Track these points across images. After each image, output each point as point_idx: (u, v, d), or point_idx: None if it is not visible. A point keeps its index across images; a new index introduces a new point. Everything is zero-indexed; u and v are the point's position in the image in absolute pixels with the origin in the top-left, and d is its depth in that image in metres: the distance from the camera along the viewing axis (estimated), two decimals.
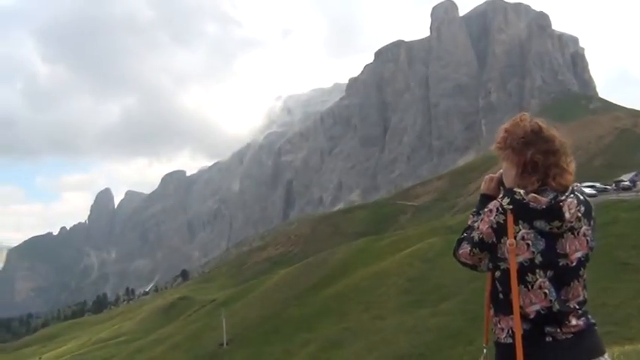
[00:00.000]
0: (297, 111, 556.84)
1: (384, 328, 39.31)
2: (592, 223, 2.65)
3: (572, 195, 2.58)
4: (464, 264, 2.69)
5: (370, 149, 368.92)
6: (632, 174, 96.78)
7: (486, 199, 2.82)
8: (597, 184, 76.17)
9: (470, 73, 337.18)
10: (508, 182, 2.66)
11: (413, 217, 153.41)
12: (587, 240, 2.57)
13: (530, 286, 2.44)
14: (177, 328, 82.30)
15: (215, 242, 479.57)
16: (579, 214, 2.54)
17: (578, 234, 2.53)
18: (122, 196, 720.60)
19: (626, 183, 77.82)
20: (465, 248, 2.62)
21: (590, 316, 2.59)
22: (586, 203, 2.61)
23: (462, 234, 2.74)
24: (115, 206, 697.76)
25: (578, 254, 2.53)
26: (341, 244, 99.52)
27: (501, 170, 2.87)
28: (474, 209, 2.84)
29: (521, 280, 2.42)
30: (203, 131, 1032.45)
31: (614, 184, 76.77)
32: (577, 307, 2.53)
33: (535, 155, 2.55)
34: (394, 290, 46.93)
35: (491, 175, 2.89)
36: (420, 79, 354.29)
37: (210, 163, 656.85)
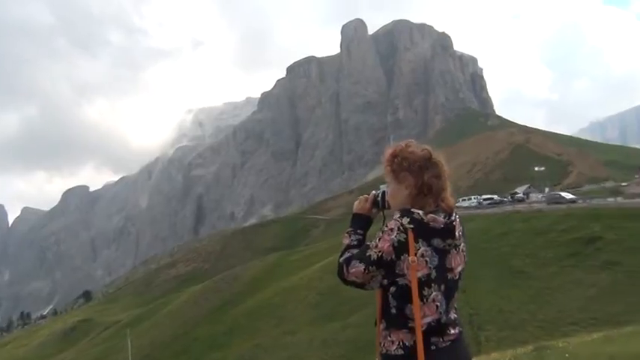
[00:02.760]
0: (208, 124, 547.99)
1: (295, 343, 39.19)
2: (466, 240, 2.85)
3: (457, 216, 2.77)
4: (352, 283, 2.73)
5: (282, 163, 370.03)
6: (526, 186, 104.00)
7: (359, 218, 2.95)
8: (495, 197, 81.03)
9: (379, 90, 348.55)
10: (399, 203, 2.76)
11: (324, 231, 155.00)
12: (464, 255, 2.77)
13: (425, 300, 2.58)
14: (79, 352, 77.53)
15: (120, 260, 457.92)
16: (461, 233, 2.75)
17: (459, 250, 2.72)
18: (17, 213, 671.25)
19: (520, 195, 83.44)
20: (359, 267, 2.66)
21: (460, 324, 2.77)
22: (462, 223, 2.81)
23: (344, 253, 2.78)
24: (10, 224, 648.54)
25: (460, 268, 2.72)
26: (253, 259, 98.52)
27: (375, 192, 3.00)
28: (349, 228, 2.92)
29: (419, 295, 2.56)
30: (109, 144, 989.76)
31: (509, 197, 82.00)
32: (455, 316, 2.73)
33: (431, 179, 2.72)
34: (305, 305, 47.01)
35: (365, 195, 3.01)
36: (331, 95, 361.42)
37: (116, 178, 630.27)
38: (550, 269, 33.05)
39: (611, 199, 51.69)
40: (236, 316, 54.49)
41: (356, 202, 3.00)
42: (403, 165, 2.75)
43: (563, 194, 60.25)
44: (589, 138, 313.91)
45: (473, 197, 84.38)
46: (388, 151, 2.84)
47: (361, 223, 2.93)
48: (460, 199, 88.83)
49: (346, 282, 2.75)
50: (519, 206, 60.01)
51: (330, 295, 45.19)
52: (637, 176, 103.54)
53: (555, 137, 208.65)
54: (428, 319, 2.59)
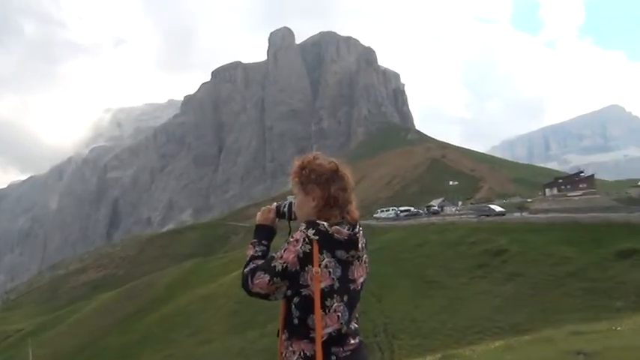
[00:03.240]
0: (127, 125, 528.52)
1: (211, 353, 38.46)
2: (368, 252, 2.91)
3: (360, 228, 2.81)
4: (256, 294, 2.73)
5: (204, 169, 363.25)
6: (440, 200, 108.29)
7: (263, 229, 2.98)
8: (412, 209, 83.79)
9: (304, 99, 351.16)
10: (305, 214, 2.80)
11: (244, 238, 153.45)
12: (366, 267, 2.83)
13: (327, 310, 2.61)
14: None
15: (25, 265, 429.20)
16: (364, 245, 2.81)
17: (362, 262, 2.78)
18: None
19: (435, 208, 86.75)
20: (263, 278, 2.67)
21: (360, 334, 2.81)
22: (364, 236, 2.84)
23: (248, 264, 2.80)
24: None
25: (362, 279, 2.77)
26: (169, 266, 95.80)
27: (279, 202, 3.05)
28: (253, 239, 2.94)
29: (321, 305, 2.59)
30: (16, 141, 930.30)
31: (425, 209, 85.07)
32: (356, 326, 2.77)
33: (337, 191, 2.76)
34: (222, 313, 46.30)
35: (268, 206, 3.07)
36: (256, 101, 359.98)
37: (23, 177, 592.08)
38: (461, 280, 34.57)
39: (517, 214, 54.66)
40: (149, 325, 52.73)
41: (259, 213, 3.05)
42: (311, 177, 2.78)
43: (493, 207, 62.14)
44: (500, 156, 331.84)
45: (391, 209, 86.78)
46: (296, 163, 2.88)
47: (265, 233, 2.97)
48: (379, 210, 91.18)
49: (251, 293, 2.74)
50: (434, 218, 62.23)
51: (248, 303, 44.75)
52: (541, 193, 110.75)
53: (469, 154, 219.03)
54: (329, 330, 2.61)
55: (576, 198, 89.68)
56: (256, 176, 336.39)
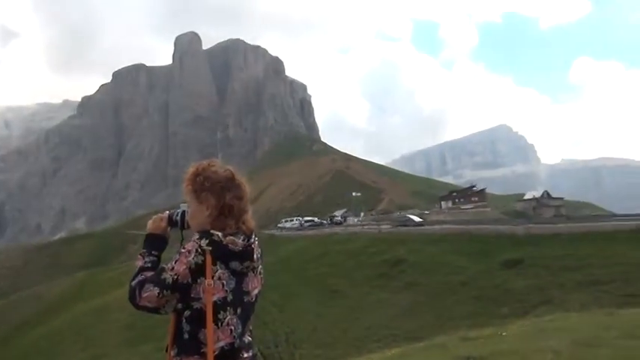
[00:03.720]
0: (16, 125, 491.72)
1: None
2: (263, 263, 2.84)
3: (256, 238, 2.74)
4: (144, 308, 2.58)
5: (101, 174, 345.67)
6: (343, 210, 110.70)
7: (154, 239, 2.85)
8: (315, 219, 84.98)
9: (210, 106, 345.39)
10: (199, 223, 2.68)
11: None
12: (261, 278, 2.76)
13: (220, 324, 2.50)
14: None
15: None
16: (259, 255, 2.73)
17: (257, 273, 2.70)
18: None
19: (338, 218, 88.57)
20: (153, 291, 2.52)
21: (253, 347, 2.74)
22: (260, 246, 2.78)
23: (136, 276, 2.65)
24: None
25: (256, 291, 2.69)
26: (60, 276, 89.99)
27: (171, 211, 2.93)
28: (143, 250, 2.80)
29: (214, 319, 2.48)
30: None
31: (328, 219, 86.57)
32: (249, 339, 2.69)
33: (232, 200, 2.66)
34: (117, 326, 44.09)
35: (160, 215, 2.94)
36: (160, 106, 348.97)
37: None
38: (362, 289, 35.43)
39: (385, 226, 56.67)
40: (36, 339, 49.12)
41: (150, 222, 2.91)
42: (205, 185, 2.66)
43: (412, 217, 63.67)
44: (400, 169, 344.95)
45: (295, 219, 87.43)
46: (190, 170, 2.76)
47: (156, 243, 2.83)
48: (283, 220, 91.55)
49: (138, 307, 2.59)
50: (337, 229, 63.36)
51: (145, 316, 42.94)
52: (437, 205, 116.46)
53: (372, 166, 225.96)
54: (221, 344, 2.51)
55: (469, 210, 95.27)
56: (157, 183, 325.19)
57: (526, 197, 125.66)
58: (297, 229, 75.38)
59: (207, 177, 2.68)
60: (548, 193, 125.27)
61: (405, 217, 65.26)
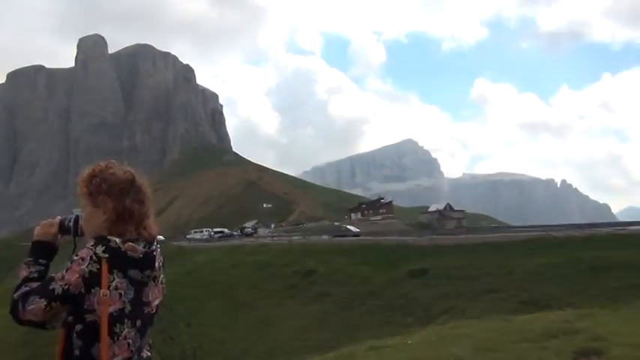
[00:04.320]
0: None
1: None
2: (165, 272, 2.63)
3: (158, 245, 2.53)
4: (28, 322, 2.29)
5: None
6: (254, 222, 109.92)
7: (42, 246, 2.56)
8: (225, 230, 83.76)
9: (116, 112, 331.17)
10: (94, 229, 2.44)
11: None
12: (163, 288, 2.54)
13: (116, 338, 2.27)
14: None
15: None
16: (161, 264, 2.52)
17: (158, 282, 2.49)
18: None
19: (248, 229, 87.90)
20: (39, 303, 2.24)
21: None
22: (162, 254, 2.58)
23: (20, 288, 2.36)
24: None
25: (157, 301, 2.48)
26: None
27: (63, 216, 2.71)
28: (28, 258, 2.51)
29: (109, 332, 2.25)
30: None
31: (239, 231, 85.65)
32: (148, 354, 2.47)
33: (133, 204, 2.45)
34: (8, 345, 40.79)
35: (50, 220, 2.68)
36: (61, 110, 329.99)
37: None
38: (271, 301, 35.25)
39: (324, 237, 57.69)
40: None
41: (38, 228, 2.62)
42: (102, 187, 2.45)
43: (350, 227, 63.51)
44: (311, 180, 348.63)
45: (205, 230, 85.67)
46: (85, 172, 2.59)
47: (44, 251, 2.54)
48: (192, 231, 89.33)
49: (22, 322, 2.30)
50: (247, 240, 62.89)
51: (39, 333, 40.12)
52: (347, 217, 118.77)
53: (283, 177, 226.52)
54: (118, 359, 2.27)
55: (377, 222, 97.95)
56: (57, 192, 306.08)
57: (430, 209, 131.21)
58: (206, 240, 73.88)
59: (105, 179, 2.48)
60: (450, 206, 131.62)
61: (344, 227, 65.46)
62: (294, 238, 56.68)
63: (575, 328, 8.76)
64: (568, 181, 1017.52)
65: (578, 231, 35.36)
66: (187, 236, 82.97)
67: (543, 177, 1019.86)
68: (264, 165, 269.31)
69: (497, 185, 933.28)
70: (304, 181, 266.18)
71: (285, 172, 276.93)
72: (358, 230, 61.63)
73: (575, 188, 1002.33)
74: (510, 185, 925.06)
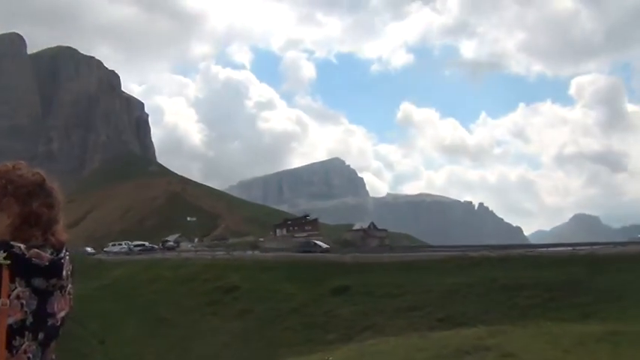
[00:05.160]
0: None
1: None
2: (72, 282, 2.43)
3: (67, 253, 2.33)
4: None
5: None
6: (177, 235, 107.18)
7: None
8: (146, 243, 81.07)
9: (32, 115, 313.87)
10: None
11: None
12: (70, 298, 2.35)
13: (15, 351, 2.08)
14: None
15: None
16: (69, 273, 2.33)
17: (65, 292, 2.29)
18: None
19: (171, 243, 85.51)
20: None
21: None
22: (72, 262, 2.39)
23: None
24: None
25: (63, 313, 2.28)
26: None
27: None
28: None
29: (7, 345, 2.06)
30: None
31: (161, 244, 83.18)
32: None
33: (41, 208, 2.26)
34: None
35: None
36: None
37: None
38: (192, 317, 34.51)
39: (249, 252, 57.19)
40: None
41: None
42: (8, 189, 2.24)
43: (319, 243, 61.59)
44: (237, 195, 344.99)
45: (124, 243, 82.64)
46: None
47: None
48: (110, 244, 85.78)
49: None
50: (169, 254, 61.30)
51: None
52: (272, 233, 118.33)
53: (209, 191, 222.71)
54: None
55: (302, 239, 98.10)
56: None
57: (355, 228, 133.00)
58: (125, 253, 71.19)
59: (11, 180, 2.26)
60: (374, 225, 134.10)
61: (312, 242, 63.27)
62: (217, 253, 55.78)
63: (487, 345, 9.31)
64: (485, 204, 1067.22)
65: (493, 252, 37.24)
66: (105, 249, 79.55)
67: (462, 199, 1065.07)
68: (190, 177, 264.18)
69: (420, 206, 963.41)
70: (230, 196, 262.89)
71: (211, 186, 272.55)
72: (328, 246, 58.82)
73: (492, 211, 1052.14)
74: (431, 206, 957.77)
